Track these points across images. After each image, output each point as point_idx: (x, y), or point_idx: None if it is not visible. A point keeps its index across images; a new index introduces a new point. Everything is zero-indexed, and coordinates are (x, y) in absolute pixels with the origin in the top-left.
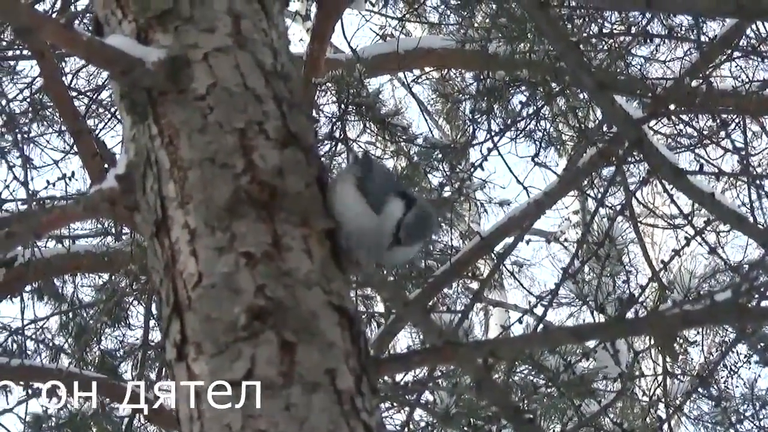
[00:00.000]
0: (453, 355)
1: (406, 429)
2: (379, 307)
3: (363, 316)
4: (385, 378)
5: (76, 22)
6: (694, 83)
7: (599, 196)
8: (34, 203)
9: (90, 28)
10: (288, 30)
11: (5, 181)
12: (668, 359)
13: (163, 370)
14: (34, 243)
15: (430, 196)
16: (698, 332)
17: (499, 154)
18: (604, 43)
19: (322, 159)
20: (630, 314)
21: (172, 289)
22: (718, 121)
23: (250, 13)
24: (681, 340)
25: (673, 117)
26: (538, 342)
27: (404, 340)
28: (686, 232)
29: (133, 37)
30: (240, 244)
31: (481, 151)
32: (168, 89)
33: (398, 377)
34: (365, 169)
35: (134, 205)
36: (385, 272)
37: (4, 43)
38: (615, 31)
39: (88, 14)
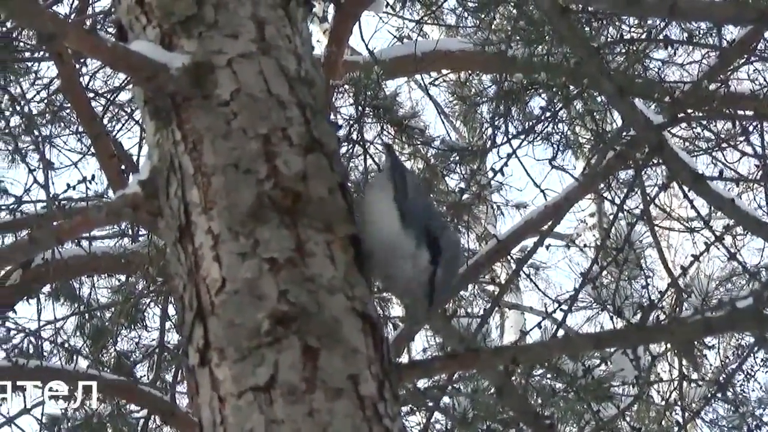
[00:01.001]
0: (474, 362)
1: None
2: (396, 311)
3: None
4: (406, 383)
5: (97, 24)
6: (712, 86)
7: (618, 200)
8: (55, 206)
9: (113, 33)
10: (311, 36)
11: (25, 183)
12: (686, 363)
13: (179, 372)
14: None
15: (447, 199)
16: (716, 337)
17: (517, 157)
18: (622, 47)
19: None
20: (649, 320)
21: (195, 295)
22: (736, 124)
23: (274, 19)
24: (698, 344)
25: (691, 122)
26: (558, 348)
27: (419, 343)
28: (704, 236)
29: (157, 43)
30: (263, 249)
31: (498, 154)
32: (192, 95)
33: (418, 382)
34: (401, 188)
35: (157, 211)
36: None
37: (23, 45)
38: (634, 36)
39: (107, 17)
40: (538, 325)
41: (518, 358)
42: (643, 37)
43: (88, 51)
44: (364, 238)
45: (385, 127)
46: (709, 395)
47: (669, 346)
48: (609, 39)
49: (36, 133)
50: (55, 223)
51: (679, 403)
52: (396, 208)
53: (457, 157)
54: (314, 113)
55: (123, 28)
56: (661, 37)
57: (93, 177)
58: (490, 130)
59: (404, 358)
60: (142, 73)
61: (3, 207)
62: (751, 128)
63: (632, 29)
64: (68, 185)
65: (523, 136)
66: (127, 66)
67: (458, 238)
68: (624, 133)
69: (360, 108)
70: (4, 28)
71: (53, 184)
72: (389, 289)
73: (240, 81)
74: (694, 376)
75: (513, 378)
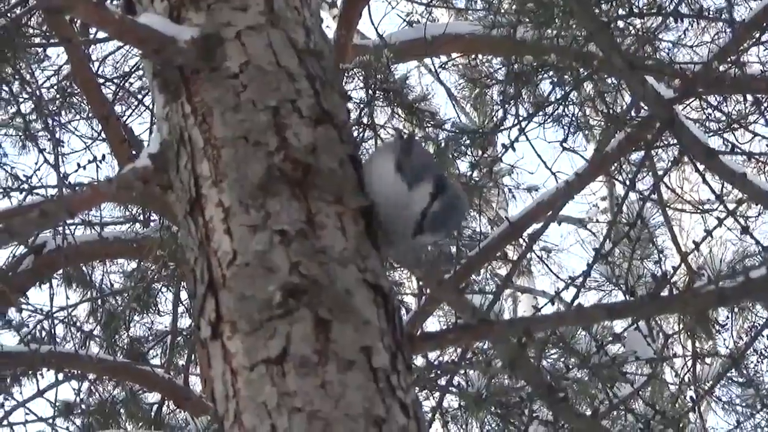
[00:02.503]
0: (488, 333)
1: (437, 412)
2: (408, 292)
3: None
4: (418, 359)
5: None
6: (722, 67)
7: (628, 180)
8: (65, 187)
9: (121, 5)
10: (319, 7)
11: (36, 164)
12: (701, 338)
13: (192, 356)
14: (65, 226)
15: (459, 182)
16: (728, 316)
17: (527, 139)
18: (632, 25)
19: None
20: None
21: (206, 268)
22: (748, 104)
23: None
24: (712, 323)
25: (701, 100)
26: (571, 319)
27: (433, 324)
28: (716, 218)
29: (165, 16)
30: (274, 221)
31: (509, 136)
32: (201, 68)
33: (431, 357)
34: (406, 148)
35: (168, 184)
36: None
37: (33, 30)
38: (644, 12)
39: None
40: (551, 301)
41: (531, 329)
42: (654, 12)
43: (96, 23)
44: (370, 197)
45: (395, 111)
46: (721, 372)
47: (682, 326)
48: (619, 15)
49: (47, 114)
50: (65, 197)
51: (692, 381)
52: (392, 159)
53: (468, 140)
54: (323, 85)
55: (131, 1)
56: (671, 12)
57: (104, 157)
58: (500, 113)
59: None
60: (150, 46)
61: (14, 189)
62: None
63: (643, 8)
64: (78, 165)
65: (533, 118)
66: (136, 39)
67: (464, 199)
68: (634, 113)
69: (370, 92)
70: (14, 13)
71: (64, 164)
72: (396, 254)
73: (249, 53)
74: (708, 352)
75: (526, 353)
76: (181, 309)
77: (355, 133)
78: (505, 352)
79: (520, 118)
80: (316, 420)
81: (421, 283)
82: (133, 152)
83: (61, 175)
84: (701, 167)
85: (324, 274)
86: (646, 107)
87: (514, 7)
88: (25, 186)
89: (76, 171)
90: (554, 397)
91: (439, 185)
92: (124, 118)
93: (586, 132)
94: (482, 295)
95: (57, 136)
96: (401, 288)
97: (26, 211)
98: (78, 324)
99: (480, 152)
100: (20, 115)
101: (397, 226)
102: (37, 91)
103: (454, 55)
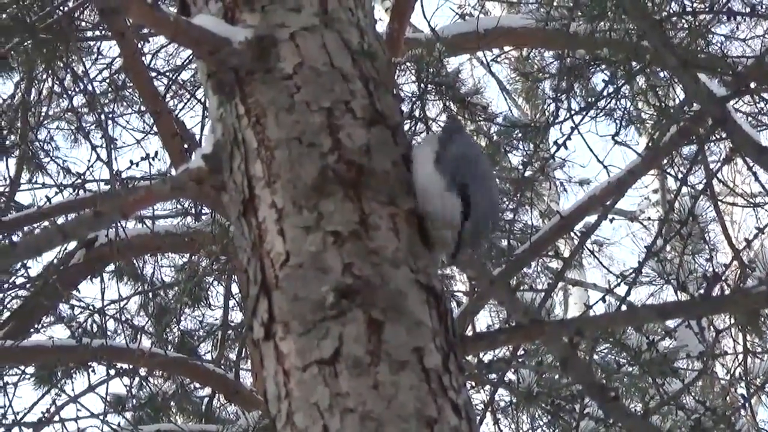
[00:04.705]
0: (539, 334)
1: (489, 408)
2: (459, 287)
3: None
4: (469, 357)
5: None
6: None
7: (680, 175)
8: (118, 183)
9: (176, 7)
10: (373, 9)
11: (89, 161)
12: (751, 337)
13: (243, 350)
14: (118, 223)
15: (510, 176)
16: None
17: (579, 133)
18: (684, 21)
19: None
20: (714, 292)
21: (259, 269)
22: None
23: None
24: (763, 320)
25: (754, 95)
26: (623, 320)
27: (483, 320)
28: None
29: (219, 17)
30: (327, 222)
31: (561, 130)
32: (255, 69)
33: (482, 356)
34: (445, 139)
35: (221, 185)
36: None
37: (85, 24)
38: (696, 9)
39: None
40: (602, 299)
41: (583, 329)
42: (706, 9)
43: (151, 25)
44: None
45: (447, 104)
46: None
47: (734, 320)
48: (671, 13)
49: (99, 110)
50: (119, 197)
51: (743, 377)
52: (432, 150)
53: (520, 134)
54: (377, 86)
55: (185, 2)
56: (723, 10)
57: (156, 154)
58: (552, 107)
59: (469, 332)
60: (204, 47)
61: (67, 185)
62: None
63: (695, 4)
64: (131, 162)
65: (585, 112)
66: (190, 40)
67: (494, 196)
68: (687, 108)
69: (422, 85)
70: (67, 7)
71: (116, 160)
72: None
73: (303, 54)
74: (762, 348)
75: (577, 352)
76: (232, 303)
77: (407, 127)
78: (557, 351)
79: (572, 112)
80: (369, 420)
81: (473, 282)
82: (185, 146)
83: (114, 172)
84: (752, 165)
85: (377, 275)
86: (698, 105)
87: (566, 0)
88: (79, 182)
89: (129, 168)
90: (605, 396)
91: (467, 200)
92: (176, 112)
93: (638, 126)
94: (534, 292)
95: (109, 131)
96: (452, 281)
97: (79, 205)
98: (129, 318)
99: (532, 147)
100: (72, 111)
101: (436, 214)
102: (89, 86)
103: (506, 48)
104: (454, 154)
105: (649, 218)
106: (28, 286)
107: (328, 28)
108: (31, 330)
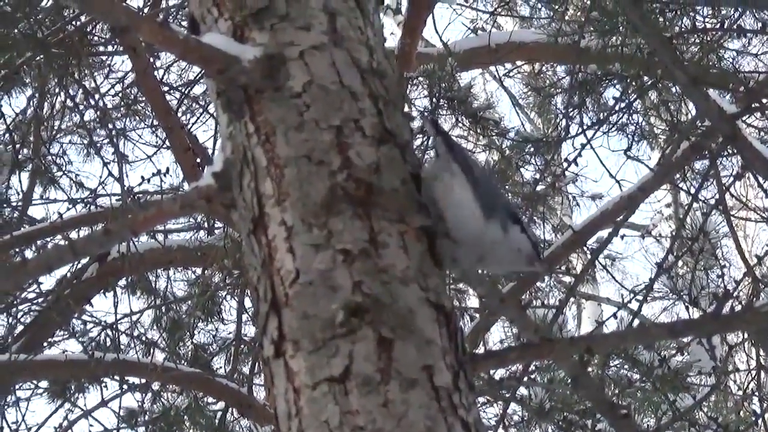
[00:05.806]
0: (549, 352)
1: (501, 424)
2: (472, 302)
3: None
4: (481, 373)
5: (169, 16)
6: None
7: (693, 190)
8: (129, 199)
9: (185, 25)
10: (383, 27)
11: (100, 176)
12: (763, 353)
13: (256, 365)
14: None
15: (522, 190)
16: None
17: (592, 147)
18: (696, 37)
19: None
20: (725, 309)
21: (269, 286)
22: None
23: (345, 11)
24: None
25: (766, 111)
26: (633, 338)
27: (496, 334)
28: None
29: (229, 35)
30: (337, 240)
31: (573, 144)
32: (264, 87)
33: (493, 373)
34: (467, 166)
35: (231, 203)
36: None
37: (97, 39)
38: (708, 26)
39: (180, 10)
40: (614, 315)
41: (593, 348)
42: (717, 27)
43: (161, 43)
44: (446, 226)
45: (459, 119)
46: None
47: (746, 336)
48: (682, 29)
49: (110, 126)
50: (129, 215)
51: (756, 393)
52: (474, 199)
53: (532, 149)
54: (386, 104)
55: (195, 21)
56: (734, 27)
57: (167, 170)
58: (564, 121)
59: (480, 349)
60: (214, 66)
61: (79, 200)
62: None
63: (706, 19)
64: (143, 178)
65: (597, 127)
66: (199, 58)
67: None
68: (698, 123)
69: (434, 100)
70: (79, 22)
71: (128, 176)
72: (486, 268)
73: (312, 73)
74: None
75: (589, 368)
76: (245, 317)
77: (420, 142)
78: (567, 369)
79: (585, 127)
80: None
81: (483, 300)
82: (198, 160)
83: (126, 188)
84: (763, 181)
85: (386, 293)
86: (709, 122)
87: (578, 15)
88: (90, 198)
89: (140, 184)
90: (616, 413)
91: (515, 218)
92: (189, 126)
93: (650, 140)
94: (546, 309)
95: (120, 147)
96: (463, 296)
97: (91, 220)
98: (142, 332)
99: (544, 162)
100: (83, 126)
101: (469, 249)
102: (101, 101)
103: (518, 63)
104: (488, 188)
105: (660, 234)
106: (40, 300)
107: (337, 46)
108: (44, 344)
